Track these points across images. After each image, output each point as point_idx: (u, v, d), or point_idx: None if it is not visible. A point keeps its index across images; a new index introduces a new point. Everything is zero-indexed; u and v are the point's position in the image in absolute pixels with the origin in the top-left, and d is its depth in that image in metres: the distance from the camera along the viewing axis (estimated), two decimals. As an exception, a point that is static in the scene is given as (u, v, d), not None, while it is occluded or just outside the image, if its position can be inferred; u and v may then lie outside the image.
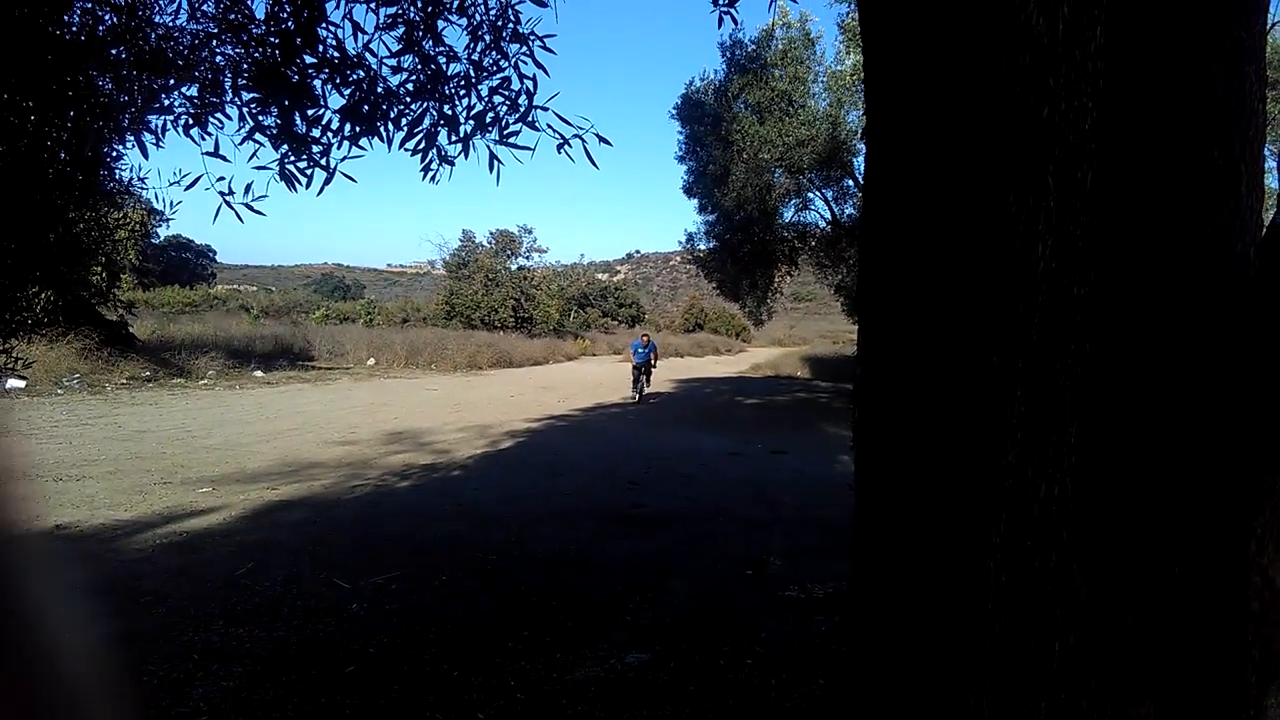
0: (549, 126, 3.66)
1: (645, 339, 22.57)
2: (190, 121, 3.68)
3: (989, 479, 1.65)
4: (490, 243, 45.56)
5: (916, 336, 1.75)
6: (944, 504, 1.69)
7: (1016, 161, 1.62)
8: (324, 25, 3.67)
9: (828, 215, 21.99)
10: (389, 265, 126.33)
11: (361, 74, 3.77)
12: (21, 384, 14.64)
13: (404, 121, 3.84)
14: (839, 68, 18.58)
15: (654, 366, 22.55)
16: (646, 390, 21.85)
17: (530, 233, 45.97)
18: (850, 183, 20.76)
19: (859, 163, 19.46)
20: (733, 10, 4.01)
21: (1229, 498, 1.79)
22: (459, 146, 3.84)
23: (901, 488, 1.79)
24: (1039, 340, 1.63)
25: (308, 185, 3.78)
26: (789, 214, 22.46)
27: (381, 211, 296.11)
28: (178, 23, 3.71)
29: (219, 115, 3.71)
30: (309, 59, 3.70)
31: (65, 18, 3.46)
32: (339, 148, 3.82)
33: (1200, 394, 1.81)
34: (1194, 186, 1.86)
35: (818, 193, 21.66)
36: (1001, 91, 1.62)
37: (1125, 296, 1.82)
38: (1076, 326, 1.66)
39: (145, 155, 3.62)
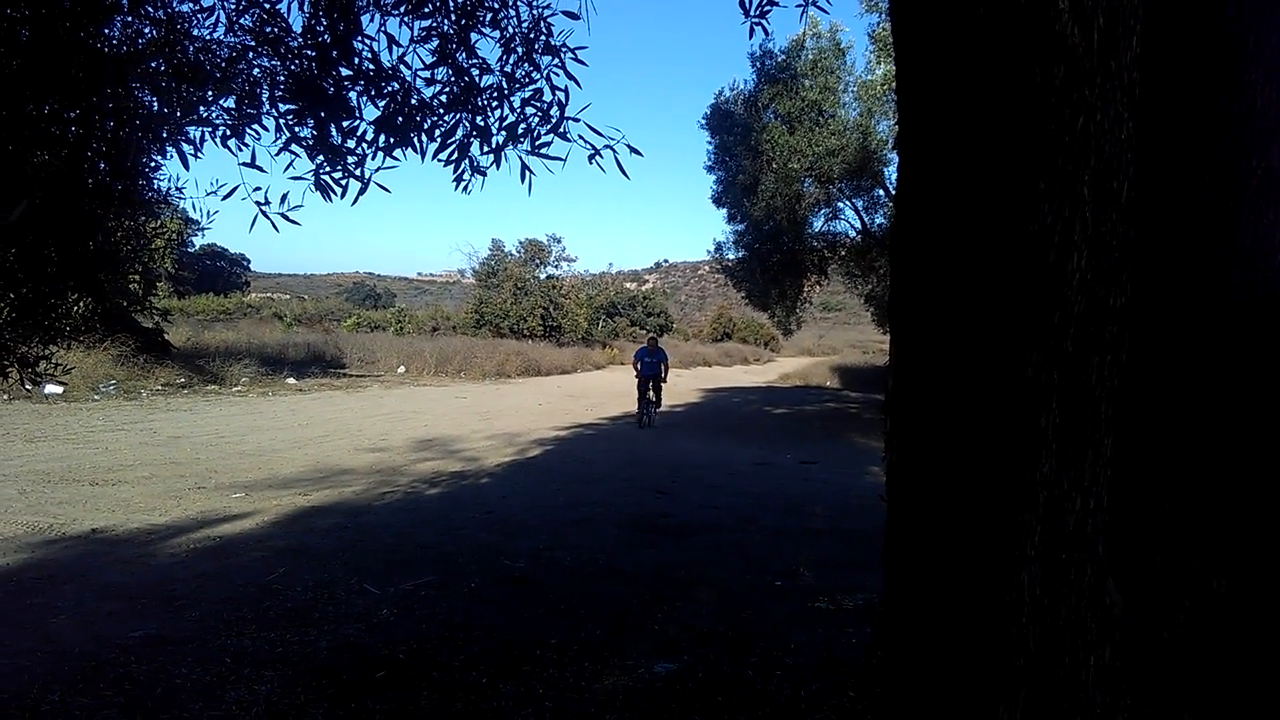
0: (580, 137, 3.69)
1: (652, 344, 18.12)
2: (228, 133, 3.73)
3: (1023, 491, 1.64)
4: (519, 252, 45.77)
5: (950, 347, 1.74)
6: (978, 516, 1.68)
7: (1051, 172, 1.61)
8: (359, 38, 3.72)
9: (858, 225, 21.95)
10: (419, 274, 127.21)
11: (396, 86, 3.81)
12: (60, 390, 14.90)
13: (437, 133, 3.88)
14: (869, 77, 18.57)
15: (664, 380, 17.66)
16: (656, 411, 17.61)
17: (559, 242, 46.14)
18: (881, 192, 20.71)
19: (889, 172, 19.42)
20: (764, 21, 4.01)
21: (1271, 513, 1.77)
22: (491, 157, 3.88)
23: (934, 499, 1.78)
24: (1074, 351, 1.62)
25: (343, 195, 3.82)
26: (819, 223, 22.45)
27: (412, 221, 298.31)
28: (215, 36, 3.76)
29: (256, 126, 3.76)
30: (345, 71, 3.74)
31: (106, 31, 3.53)
32: (373, 158, 3.86)
33: (1239, 408, 1.78)
34: (1232, 197, 1.84)
35: (848, 202, 21.63)
36: (1036, 102, 1.62)
37: (1163, 308, 1.81)
38: (1113, 338, 1.65)
39: (186, 166, 3.67)
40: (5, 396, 14.16)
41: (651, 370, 17.27)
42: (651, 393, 17.30)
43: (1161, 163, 1.85)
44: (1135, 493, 1.80)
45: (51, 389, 14.78)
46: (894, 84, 2.09)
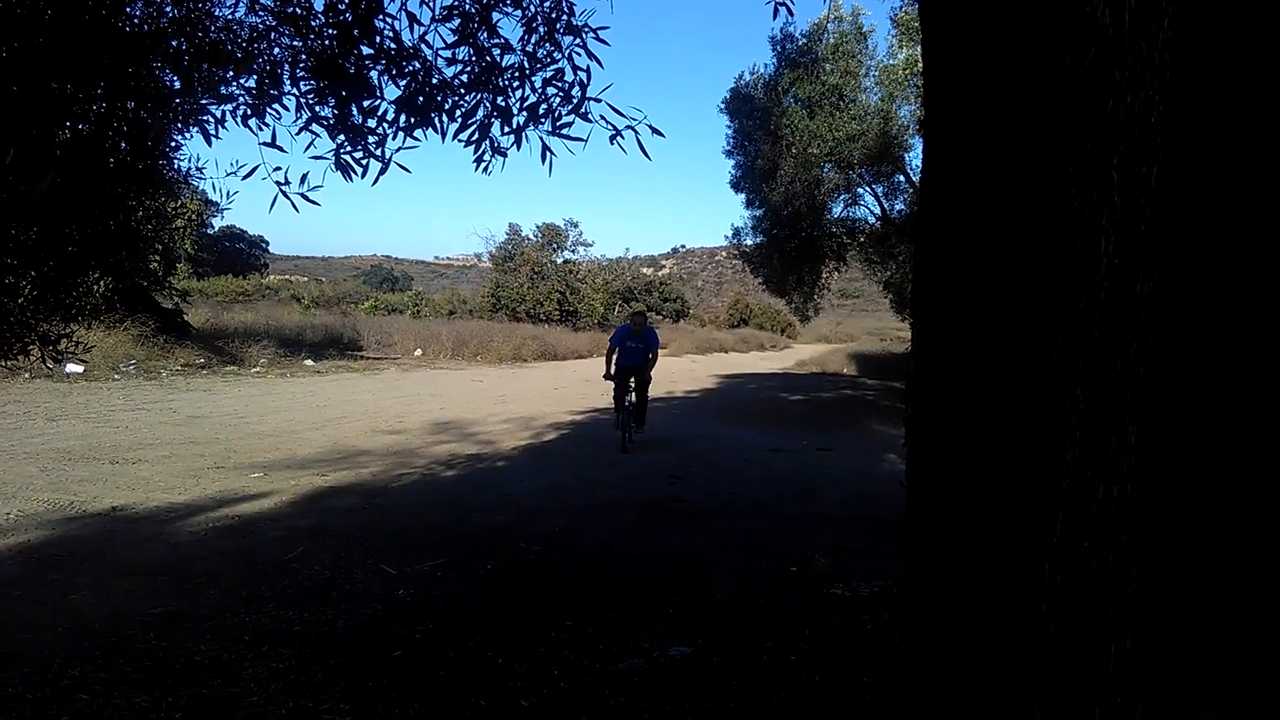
0: (602, 118, 3.67)
1: (639, 323, 12.12)
2: (248, 112, 3.74)
3: (1046, 479, 1.62)
4: (536, 236, 45.88)
5: (973, 333, 1.73)
6: (999, 503, 1.67)
7: (1079, 155, 1.59)
8: (381, 17, 3.71)
9: (877, 211, 21.81)
10: (436, 257, 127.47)
11: (417, 65, 3.81)
12: (80, 369, 15.00)
13: (458, 113, 3.87)
14: (891, 62, 18.40)
15: (649, 377, 12.06)
16: (638, 429, 12.02)
17: (576, 226, 46.30)
18: (901, 178, 20.57)
19: (910, 158, 19.30)
20: (789, 2, 3.99)
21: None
22: (512, 138, 3.86)
23: (955, 486, 1.76)
24: (1100, 338, 1.60)
25: (363, 175, 3.83)
26: (838, 209, 22.30)
27: (429, 204, 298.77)
28: (237, 15, 3.77)
29: (276, 106, 3.77)
30: (366, 50, 3.74)
31: (127, 9, 3.54)
32: (394, 138, 3.86)
33: (1274, 396, 1.76)
34: (1269, 186, 1.81)
35: (868, 188, 21.48)
36: (1065, 85, 1.60)
37: (1194, 295, 1.78)
38: (1140, 324, 1.63)
39: (209, 142, 3.68)
40: (26, 375, 14.28)
41: (634, 360, 11.82)
42: (633, 395, 11.79)
43: (1193, 148, 1.82)
44: (1160, 482, 1.78)
45: (72, 368, 14.88)
46: (916, 68, 2.08)
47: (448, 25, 3.77)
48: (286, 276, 72.33)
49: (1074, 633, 1.65)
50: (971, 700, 1.73)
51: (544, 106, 3.81)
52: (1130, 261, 1.61)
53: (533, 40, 3.83)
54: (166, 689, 3.50)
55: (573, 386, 21.74)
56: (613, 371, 11.73)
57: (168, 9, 3.67)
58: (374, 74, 3.81)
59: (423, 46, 3.82)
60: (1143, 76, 1.61)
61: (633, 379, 11.77)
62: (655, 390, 13.88)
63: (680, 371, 29.54)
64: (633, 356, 11.85)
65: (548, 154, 3.80)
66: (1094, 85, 1.58)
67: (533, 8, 3.80)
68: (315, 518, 6.58)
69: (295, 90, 3.77)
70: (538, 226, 46.21)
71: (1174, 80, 1.69)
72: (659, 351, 12.39)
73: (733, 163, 22.53)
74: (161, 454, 9.14)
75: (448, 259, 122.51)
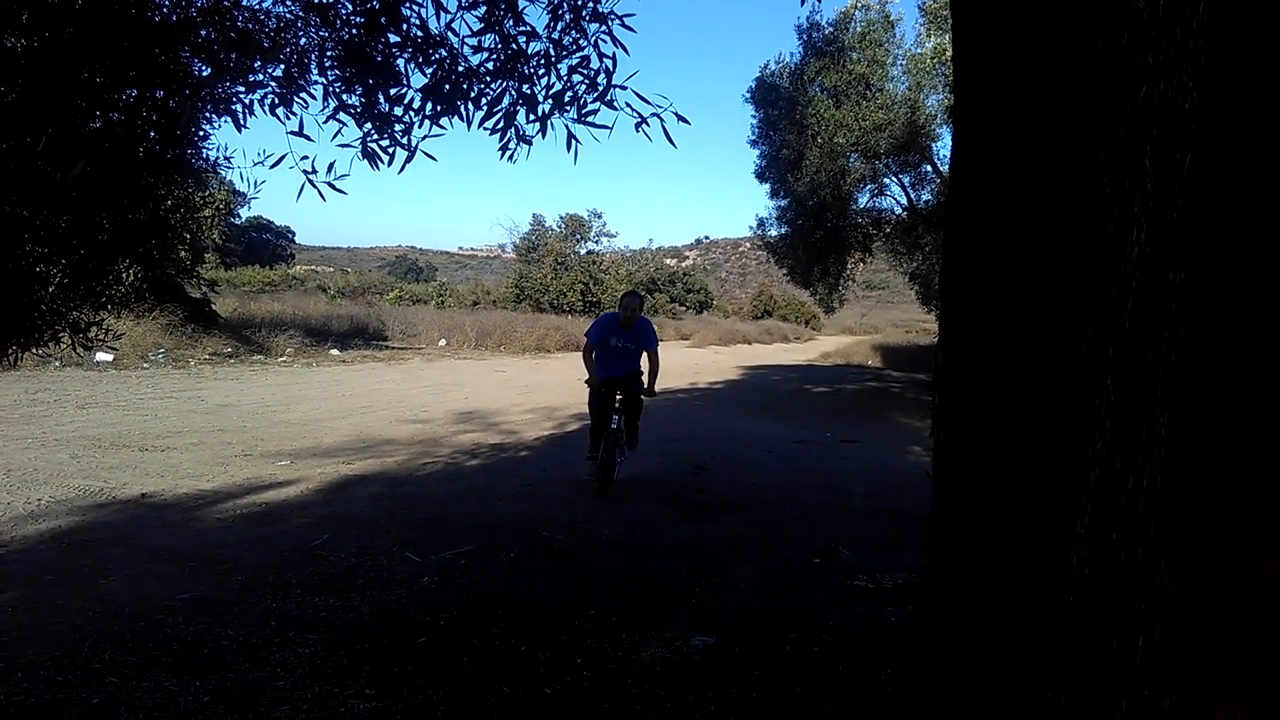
0: (627, 105, 3.66)
1: (631, 312, 7.99)
2: (276, 101, 3.76)
3: (1075, 469, 1.61)
4: (560, 227, 45.97)
5: (1002, 322, 1.71)
6: (1027, 493, 1.66)
7: (1112, 142, 1.57)
8: (408, 4, 3.72)
9: (904, 201, 21.65)
10: (460, 248, 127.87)
11: (444, 53, 3.81)
12: (110, 357, 15.20)
13: (484, 101, 3.87)
14: (919, 51, 18.21)
15: (650, 390, 8.28)
16: (627, 453, 8.28)
17: (600, 217, 46.37)
18: (928, 168, 20.40)
19: (938, 147, 19.13)
20: (817, -11, 3.96)
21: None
22: (537, 126, 3.87)
23: (983, 476, 1.75)
24: (1131, 327, 1.58)
25: (390, 163, 3.84)
26: (863, 200, 22.19)
27: (454, 195, 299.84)
28: (265, 4, 3.79)
29: (304, 95, 3.79)
30: (393, 38, 3.75)
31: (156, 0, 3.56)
32: (420, 126, 3.87)
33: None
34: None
35: (894, 178, 21.33)
36: (1097, 70, 1.57)
37: (1228, 284, 1.75)
38: (1171, 313, 1.61)
39: (239, 128, 3.70)
40: (57, 363, 14.47)
41: (623, 367, 8.12)
42: (619, 413, 8.00)
43: (1228, 135, 1.79)
44: (1190, 473, 1.76)
45: (102, 356, 15.08)
46: (944, 57, 2.06)
47: (474, 13, 3.77)
48: (312, 267, 72.96)
49: (1101, 625, 1.64)
50: (997, 691, 1.72)
51: (569, 94, 3.81)
52: (1162, 250, 1.59)
53: (559, 27, 3.82)
54: (194, 673, 3.54)
55: (596, 377, 21.74)
56: (596, 379, 7.95)
57: (196, -1, 3.70)
58: (401, 62, 3.82)
59: (449, 34, 3.83)
60: (1177, 61, 1.58)
61: (618, 390, 8.01)
62: (678, 381, 13.37)
63: (704, 363, 29.50)
64: (620, 362, 8.09)
65: (573, 142, 3.80)
66: (1127, 71, 1.56)
67: (558, -6, 3.79)
68: (341, 505, 6.63)
69: (323, 79, 3.79)
70: (561, 217, 46.42)
71: (1209, 65, 1.66)
72: (659, 353, 8.39)
73: (757, 153, 22.48)
74: (190, 442, 9.23)
75: (472, 249, 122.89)
